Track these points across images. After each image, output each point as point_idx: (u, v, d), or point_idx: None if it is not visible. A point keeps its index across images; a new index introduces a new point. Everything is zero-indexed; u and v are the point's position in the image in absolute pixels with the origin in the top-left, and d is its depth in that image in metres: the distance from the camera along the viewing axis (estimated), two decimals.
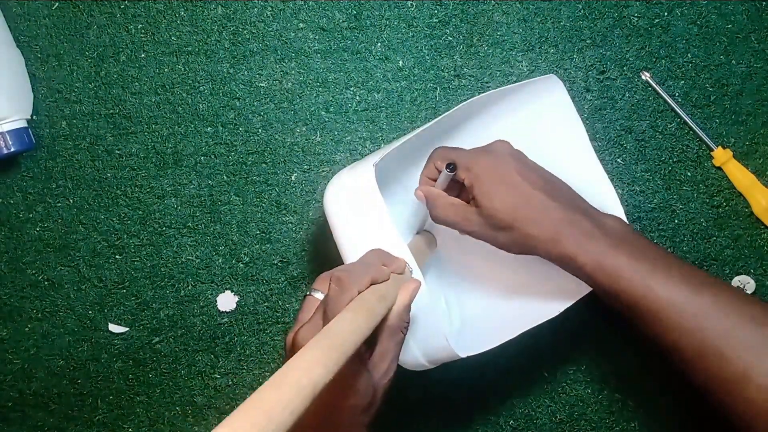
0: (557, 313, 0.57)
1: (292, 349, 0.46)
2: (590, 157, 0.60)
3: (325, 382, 0.34)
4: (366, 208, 0.53)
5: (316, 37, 0.67)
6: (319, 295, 0.49)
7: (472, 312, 0.65)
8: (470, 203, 0.56)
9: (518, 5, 0.67)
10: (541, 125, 0.61)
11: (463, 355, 0.53)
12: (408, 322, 0.49)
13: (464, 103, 0.57)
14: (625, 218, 0.57)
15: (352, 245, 0.53)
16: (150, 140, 0.67)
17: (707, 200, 0.68)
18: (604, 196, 0.59)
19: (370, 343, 0.47)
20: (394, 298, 0.47)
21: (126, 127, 0.67)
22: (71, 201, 0.67)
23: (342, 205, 0.54)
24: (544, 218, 0.52)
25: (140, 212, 0.67)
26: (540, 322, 0.56)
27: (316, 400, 0.34)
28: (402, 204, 0.65)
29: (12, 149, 0.64)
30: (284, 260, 0.67)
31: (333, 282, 0.45)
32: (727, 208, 0.68)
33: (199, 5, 0.67)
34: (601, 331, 0.67)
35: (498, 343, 0.55)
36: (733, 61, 0.68)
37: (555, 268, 0.55)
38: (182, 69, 0.67)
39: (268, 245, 0.67)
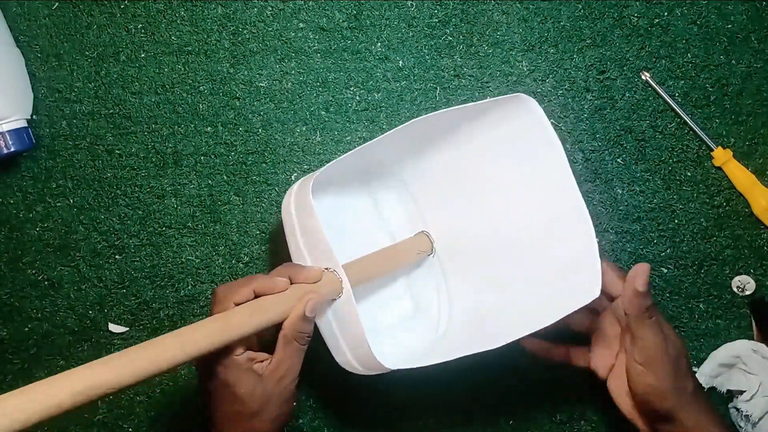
0: (540, 327, 0.55)
1: None
2: (569, 183, 0.58)
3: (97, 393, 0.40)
4: (304, 218, 0.55)
5: (316, 37, 0.67)
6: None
7: (460, 318, 0.65)
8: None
9: (518, 5, 0.67)
10: (518, 146, 0.60)
11: (392, 367, 0.53)
12: (306, 333, 0.51)
13: (430, 114, 0.56)
14: (596, 247, 0.57)
15: (296, 252, 0.56)
16: (150, 140, 0.67)
17: (707, 200, 0.68)
18: (579, 223, 0.58)
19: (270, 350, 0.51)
20: (283, 310, 0.50)
21: (126, 127, 0.67)
22: (71, 201, 0.67)
23: (290, 215, 0.56)
24: (667, 394, 0.55)
25: (140, 212, 0.67)
26: (525, 334, 0.55)
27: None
28: (401, 197, 0.66)
29: (12, 149, 0.64)
30: (284, 260, 0.67)
31: (212, 295, 0.50)
32: (727, 208, 0.68)
33: (199, 5, 0.67)
34: None
35: (478, 350, 0.54)
36: (733, 61, 0.68)
37: (555, 280, 0.57)
38: (182, 69, 0.67)
39: (268, 245, 0.67)
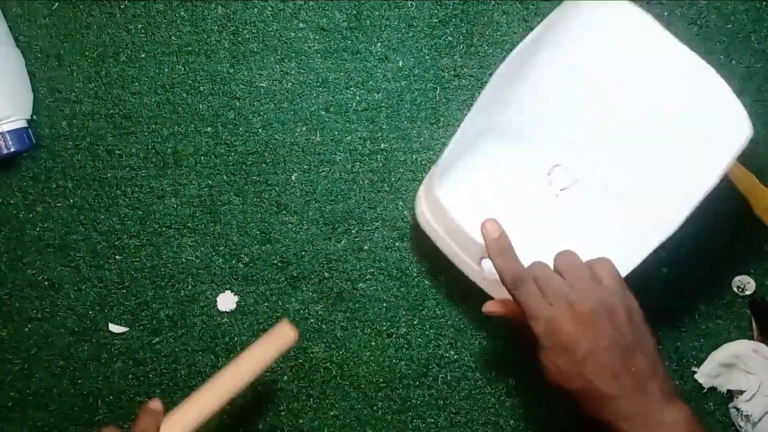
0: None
1: None
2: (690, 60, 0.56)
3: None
4: (444, 221, 0.58)
5: (316, 37, 0.67)
6: None
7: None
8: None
9: (518, 5, 0.67)
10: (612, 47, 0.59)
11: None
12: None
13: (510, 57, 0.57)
14: (748, 130, 0.53)
15: (452, 254, 0.60)
16: (150, 140, 0.67)
17: (707, 200, 0.68)
18: (721, 100, 0.55)
19: None
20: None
21: (126, 127, 0.67)
22: (71, 201, 0.67)
23: (428, 222, 0.60)
24: (606, 401, 0.48)
25: (140, 212, 0.67)
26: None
27: None
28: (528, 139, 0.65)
29: (12, 149, 0.64)
30: (284, 260, 0.67)
31: None
32: (727, 208, 0.68)
33: (199, 5, 0.67)
34: None
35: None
36: (733, 61, 0.68)
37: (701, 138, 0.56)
38: (182, 69, 0.67)
39: (268, 245, 0.67)
